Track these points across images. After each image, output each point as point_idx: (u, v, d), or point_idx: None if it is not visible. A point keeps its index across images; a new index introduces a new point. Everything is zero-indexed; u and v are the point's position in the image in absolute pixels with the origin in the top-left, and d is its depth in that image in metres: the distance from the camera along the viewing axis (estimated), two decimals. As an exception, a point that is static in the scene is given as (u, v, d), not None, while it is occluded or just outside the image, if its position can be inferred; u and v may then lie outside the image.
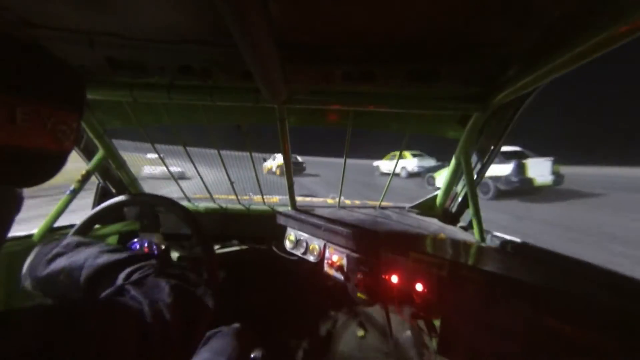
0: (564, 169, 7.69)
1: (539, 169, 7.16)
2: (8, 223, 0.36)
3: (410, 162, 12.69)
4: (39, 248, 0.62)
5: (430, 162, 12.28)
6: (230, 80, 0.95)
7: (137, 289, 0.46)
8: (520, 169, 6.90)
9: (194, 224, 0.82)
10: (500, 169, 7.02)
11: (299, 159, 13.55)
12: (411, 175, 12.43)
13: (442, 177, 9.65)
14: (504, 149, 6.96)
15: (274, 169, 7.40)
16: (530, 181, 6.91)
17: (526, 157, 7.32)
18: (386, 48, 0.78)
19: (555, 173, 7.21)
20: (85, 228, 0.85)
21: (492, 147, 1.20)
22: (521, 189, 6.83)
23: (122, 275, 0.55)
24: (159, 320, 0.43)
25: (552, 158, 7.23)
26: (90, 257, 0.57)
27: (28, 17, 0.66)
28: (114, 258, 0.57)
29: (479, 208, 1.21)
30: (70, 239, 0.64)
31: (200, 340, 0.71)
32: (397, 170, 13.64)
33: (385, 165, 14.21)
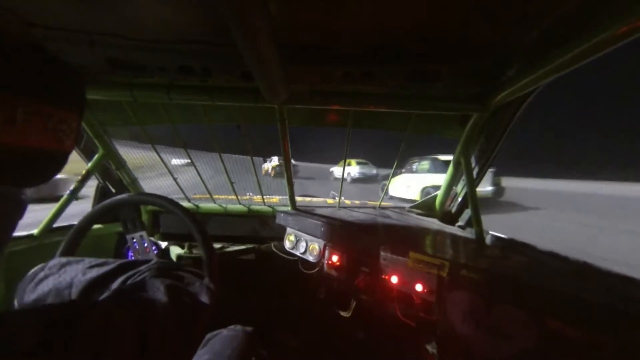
0: (508, 181, 7.45)
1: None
2: (10, 227, 0.36)
3: (353, 169, 13.38)
4: (26, 276, 0.61)
5: (372, 170, 12.88)
6: (230, 80, 0.95)
7: (134, 291, 0.46)
8: None
9: (194, 223, 0.82)
10: (440, 179, 6.86)
11: (293, 162, 14.29)
12: (354, 180, 13.12)
13: (394, 186, 8.80)
14: (448, 158, 6.92)
15: (269, 171, 7.44)
16: None
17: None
18: (386, 48, 0.78)
19: (496, 185, 7.21)
20: (84, 229, 0.84)
21: (492, 147, 1.20)
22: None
23: (115, 285, 0.55)
24: (156, 320, 0.43)
25: (493, 169, 7.01)
26: (77, 274, 0.57)
27: (28, 17, 0.66)
28: (103, 271, 0.57)
29: (479, 208, 1.21)
30: (56, 260, 0.64)
31: (200, 338, 0.71)
32: (345, 176, 14.77)
33: (337, 170, 15.17)
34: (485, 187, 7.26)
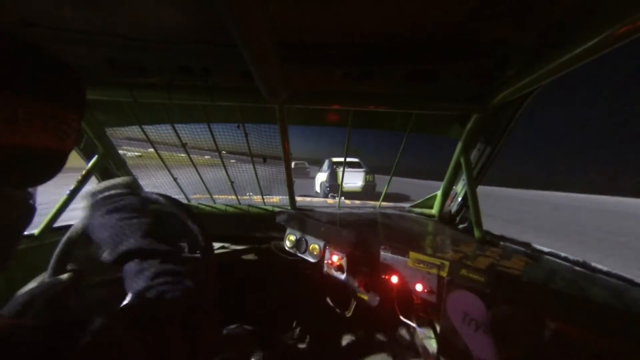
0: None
1: (352, 178, 9.09)
2: (18, 231, 0.36)
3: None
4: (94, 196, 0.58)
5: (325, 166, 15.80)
6: (230, 80, 0.95)
7: (148, 299, 0.44)
8: (333, 177, 8.60)
9: (194, 221, 0.81)
10: (324, 176, 9.10)
11: (306, 164, 18.19)
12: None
13: (316, 182, 10.52)
14: (339, 158, 9.17)
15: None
16: (339, 186, 8.03)
17: (356, 166, 9.58)
18: (386, 48, 0.78)
19: (368, 181, 9.14)
20: (73, 242, 0.82)
21: (492, 147, 1.20)
22: (333, 192, 8.53)
23: (148, 274, 0.51)
24: (160, 336, 0.41)
25: (364, 169, 9.28)
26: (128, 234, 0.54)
27: (28, 17, 0.66)
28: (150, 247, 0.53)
29: (479, 208, 1.21)
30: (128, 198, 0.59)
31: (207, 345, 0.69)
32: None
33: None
34: (355, 183, 9.16)
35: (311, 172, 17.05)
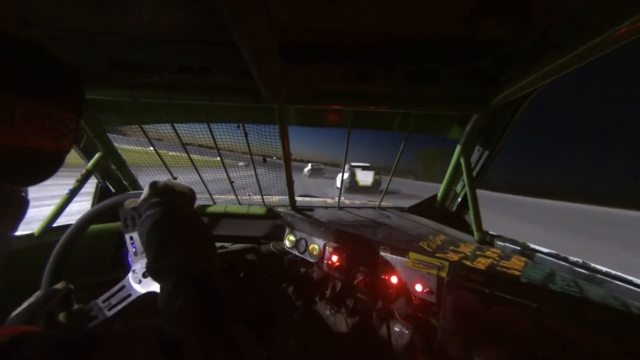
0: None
1: (364, 177, 14.20)
2: (11, 225, 0.36)
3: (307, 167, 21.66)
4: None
5: (320, 166, 20.55)
6: (230, 80, 0.95)
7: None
8: (352, 176, 13.80)
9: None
10: (345, 175, 12.69)
11: (321, 165, 21.94)
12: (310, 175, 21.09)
13: (337, 180, 16.13)
14: (355, 163, 14.94)
15: (305, 173, 15.38)
16: (356, 182, 14.07)
17: (369, 169, 14.45)
18: (386, 48, 0.78)
19: (375, 180, 14.10)
20: (81, 229, 0.82)
21: (492, 147, 1.20)
22: (351, 186, 13.76)
23: None
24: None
25: (373, 171, 14.18)
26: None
27: (28, 17, 0.66)
28: None
29: (479, 208, 1.21)
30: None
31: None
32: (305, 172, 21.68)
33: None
34: (367, 180, 14.14)
35: (326, 173, 21.09)
